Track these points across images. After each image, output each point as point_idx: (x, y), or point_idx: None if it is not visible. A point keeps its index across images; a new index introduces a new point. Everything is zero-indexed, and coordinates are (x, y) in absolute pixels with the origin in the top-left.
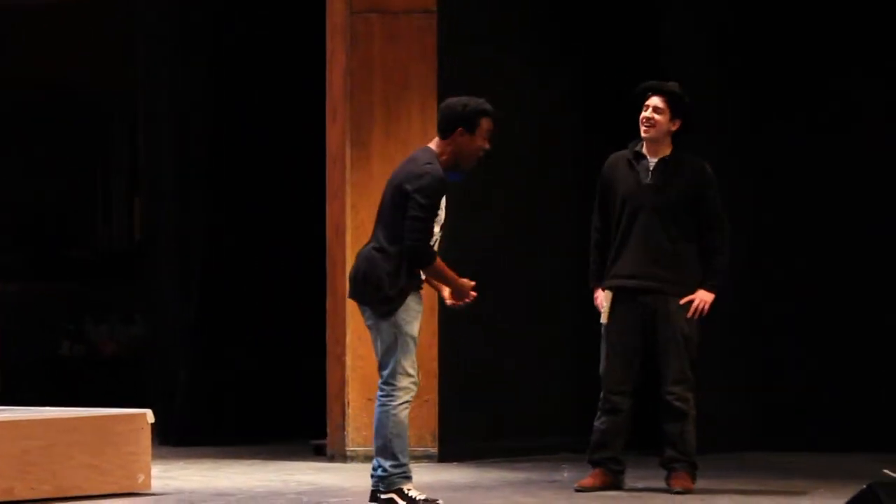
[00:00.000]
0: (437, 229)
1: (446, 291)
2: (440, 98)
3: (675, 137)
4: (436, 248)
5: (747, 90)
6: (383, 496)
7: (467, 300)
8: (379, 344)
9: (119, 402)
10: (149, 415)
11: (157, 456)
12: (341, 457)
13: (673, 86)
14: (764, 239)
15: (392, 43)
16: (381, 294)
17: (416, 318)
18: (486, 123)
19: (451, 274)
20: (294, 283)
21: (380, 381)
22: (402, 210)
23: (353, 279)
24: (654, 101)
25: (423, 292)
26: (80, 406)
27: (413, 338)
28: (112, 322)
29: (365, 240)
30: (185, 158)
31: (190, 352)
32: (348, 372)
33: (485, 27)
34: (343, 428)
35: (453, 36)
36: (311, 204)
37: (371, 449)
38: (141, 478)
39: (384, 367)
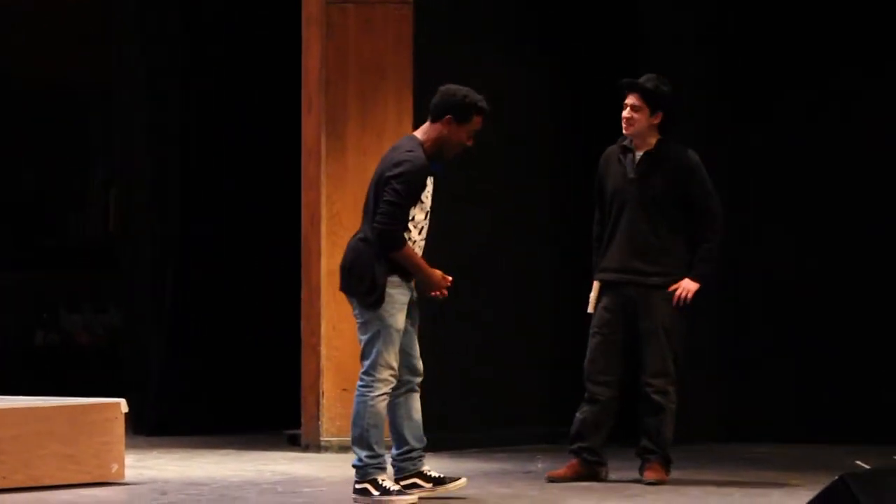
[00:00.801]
0: (421, 217)
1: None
2: (416, 89)
3: (663, 128)
4: (422, 235)
5: (728, 82)
6: (358, 486)
7: (436, 294)
8: (362, 334)
9: (94, 392)
10: (122, 404)
11: (130, 445)
12: (315, 447)
13: (648, 80)
14: (739, 232)
15: (368, 33)
16: (364, 285)
17: (401, 310)
18: (476, 121)
19: (420, 263)
20: (269, 273)
21: (361, 371)
22: None
23: (341, 270)
24: (631, 99)
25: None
26: (55, 396)
27: (397, 330)
28: (86, 312)
29: (339, 230)
30: (160, 149)
31: (164, 341)
32: (323, 362)
33: (462, 18)
34: (317, 418)
35: (430, 27)
36: (286, 194)
37: (345, 439)
38: (114, 467)
39: (365, 358)
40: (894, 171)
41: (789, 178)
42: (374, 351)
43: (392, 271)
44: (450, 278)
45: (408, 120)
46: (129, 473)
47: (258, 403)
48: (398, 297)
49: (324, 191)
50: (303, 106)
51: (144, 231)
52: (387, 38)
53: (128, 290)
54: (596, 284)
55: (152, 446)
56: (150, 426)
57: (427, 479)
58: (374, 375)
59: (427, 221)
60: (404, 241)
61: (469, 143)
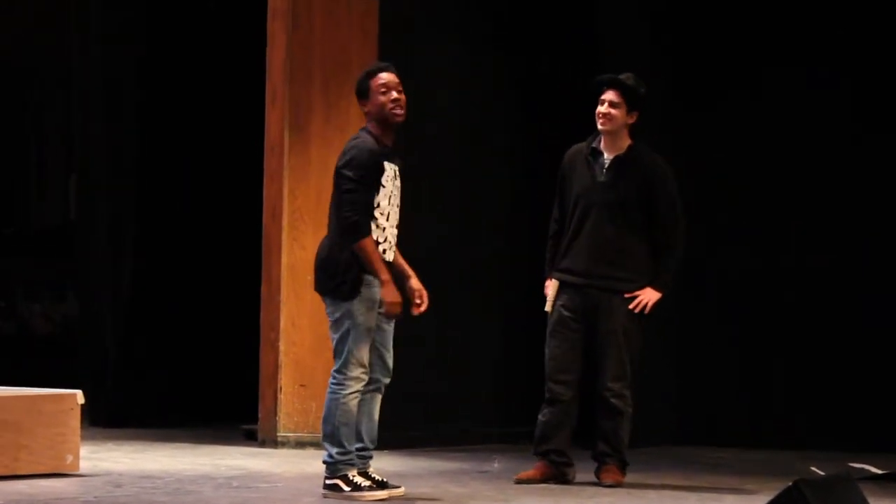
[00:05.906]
0: (386, 203)
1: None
2: None
3: (633, 129)
4: (391, 223)
5: (683, 73)
6: (328, 481)
7: (396, 312)
8: (333, 332)
9: (50, 382)
10: (79, 395)
11: (86, 437)
12: (272, 442)
13: (628, 78)
14: (696, 232)
15: (333, 27)
16: (334, 282)
17: (372, 308)
18: (374, 82)
19: (377, 265)
20: (229, 266)
21: (333, 369)
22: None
23: (314, 269)
24: (609, 95)
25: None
26: (11, 385)
27: (368, 328)
28: (44, 300)
29: (301, 225)
30: (120, 137)
31: (122, 332)
32: (281, 357)
33: (427, 11)
34: (275, 413)
35: (395, 20)
36: (248, 187)
37: (302, 435)
38: (69, 458)
39: (337, 356)
40: (846, 165)
41: (715, 159)
42: (346, 349)
43: (360, 269)
44: (419, 301)
45: None
46: (84, 465)
47: (215, 397)
48: (369, 296)
49: (286, 184)
50: (267, 98)
51: (103, 221)
52: (352, 32)
53: (86, 279)
54: (554, 283)
55: (108, 438)
56: (105, 417)
57: (370, 480)
58: (345, 374)
59: (394, 209)
60: (368, 230)
61: (395, 96)
